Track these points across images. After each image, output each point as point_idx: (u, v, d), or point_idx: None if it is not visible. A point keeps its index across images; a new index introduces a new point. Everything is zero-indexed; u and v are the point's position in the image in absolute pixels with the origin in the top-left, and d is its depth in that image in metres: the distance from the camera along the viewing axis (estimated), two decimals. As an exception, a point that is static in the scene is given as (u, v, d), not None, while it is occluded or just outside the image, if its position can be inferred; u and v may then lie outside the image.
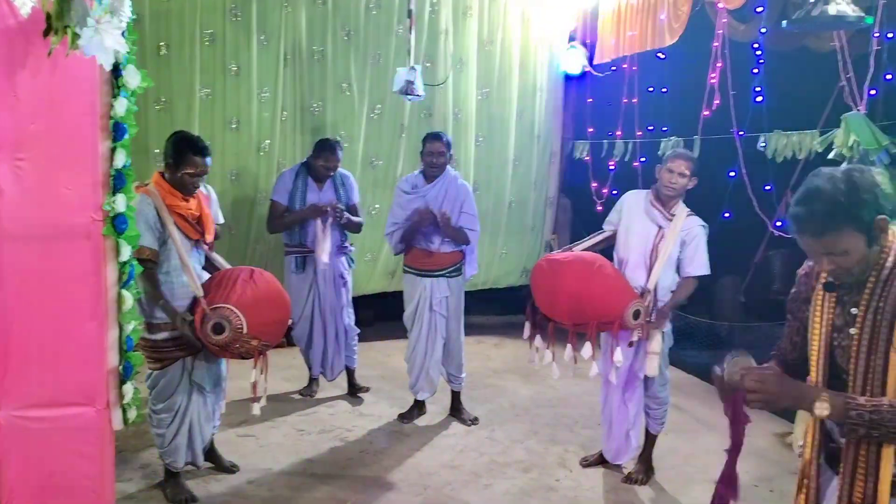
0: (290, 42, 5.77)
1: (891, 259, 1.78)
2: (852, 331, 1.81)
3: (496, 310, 7.30)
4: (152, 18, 5.25)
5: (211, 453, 3.83)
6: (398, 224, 4.55)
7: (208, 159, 3.42)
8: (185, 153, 3.34)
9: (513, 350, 6.36)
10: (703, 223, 3.78)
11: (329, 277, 4.93)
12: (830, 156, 3.87)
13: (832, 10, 3.30)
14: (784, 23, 3.73)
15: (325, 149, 4.82)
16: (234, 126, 5.66)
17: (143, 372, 3.25)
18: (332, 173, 4.85)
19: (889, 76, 3.71)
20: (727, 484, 2.01)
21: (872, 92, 3.71)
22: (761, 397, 1.77)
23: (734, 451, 1.98)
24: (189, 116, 5.46)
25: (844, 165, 2.87)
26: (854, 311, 1.81)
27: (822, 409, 1.72)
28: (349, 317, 5.10)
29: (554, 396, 5.25)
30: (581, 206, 7.08)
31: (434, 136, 4.54)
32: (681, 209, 3.76)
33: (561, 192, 7.27)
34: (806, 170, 4.02)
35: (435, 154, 4.47)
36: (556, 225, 7.24)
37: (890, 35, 3.72)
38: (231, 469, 3.85)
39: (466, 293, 6.40)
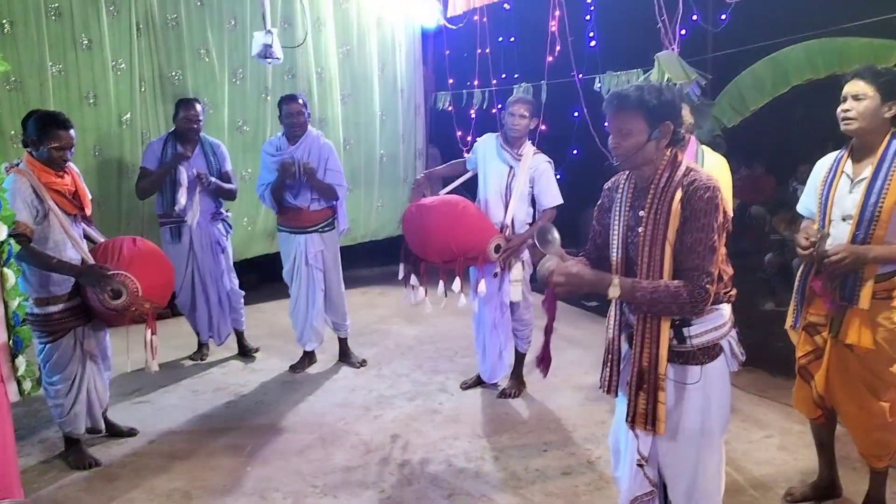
0: (142, 11, 5.70)
1: (667, 172, 2.21)
2: (640, 229, 2.23)
3: (379, 261, 7.60)
4: (-9, -4, 5.07)
5: (106, 424, 3.94)
6: (267, 184, 4.71)
7: (72, 131, 3.47)
8: (47, 128, 3.39)
9: (397, 297, 6.69)
10: (549, 159, 4.19)
11: (206, 244, 5.03)
12: (672, 84, 4.34)
13: None
14: None
15: (182, 103, 4.91)
16: (91, 101, 5.57)
17: (33, 347, 3.34)
18: (195, 126, 4.87)
19: (695, 17, 4.20)
20: (542, 359, 2.54)
21: (683, 32, 4.19)
22: (566, 288, 2.20)
23: (547, 333, 2.47)
24: (42, 94, 5.32)
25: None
26: (641, 213, 2.24)
27: (615, 291, 2.16)
28: (231, 281, 5.23)
29: (435, 333, 5.65)
30: (449, 155, 7.42)
31: (290, 98, 4.71)
32: (528, 149, 4.16)
33: (429, 143, 7.59)
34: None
35: (294, 115, 4.64)
36: (426, 174, 7.55)
37: (694, -21, 4.21)
38: (131, 433, 3.98)
39: (350, 247, 6.64)
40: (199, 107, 4.92)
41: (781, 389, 4.23)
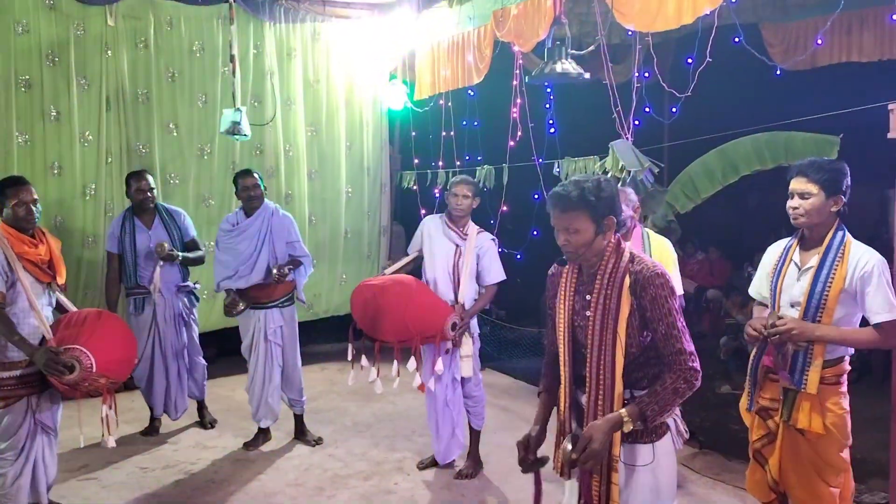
0: (113, 85, 5.80)
1: (613, 259, 2.30)
2: (588, 313, 2.30)
3: (339, 337, 7.51)
4: (-39, 66, 5.13)
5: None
6: (228, 273, 4.68)
7: (29, 186, 3.50)
8: (4, 190, 3.45)
9: (355, 373, 6.60)
10: (493, 237, 4.34)
11: (169, 317, 4.99)
12: (608, 177, 4.52)
13: (559, 68, 4.28)
14: (527, 78, 4.55)
15: (132, 175, 4.98)
16: (55, 171, 5.60)
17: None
18: (148, 195, 4.91)
19: (648, 109, 4.42)
20: None
21: (637, 122, 4.40)
22: (593, 463, 2.17)
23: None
24: (7, 163, 5.35)
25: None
26: (588, 297, 2.31)
27: (629, 424, 2.18)
28: (196, 353, 5.19)
29: (393, 411, 5.60)
30: (413, 232, 7.50)
31: (245, 173, 4.80)
32: (472, 228, 4.30)
33: (393, 220, 7.70)
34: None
35: (250, 188, 4.71)
36: (390, 251, 7.62)
37: (647, 74, 4.44)
38: (72, 512, 3.85)
39: (310, 323, 6.59)
40: (149, 177, 4.98)
41: (736, 473, 4.25)
